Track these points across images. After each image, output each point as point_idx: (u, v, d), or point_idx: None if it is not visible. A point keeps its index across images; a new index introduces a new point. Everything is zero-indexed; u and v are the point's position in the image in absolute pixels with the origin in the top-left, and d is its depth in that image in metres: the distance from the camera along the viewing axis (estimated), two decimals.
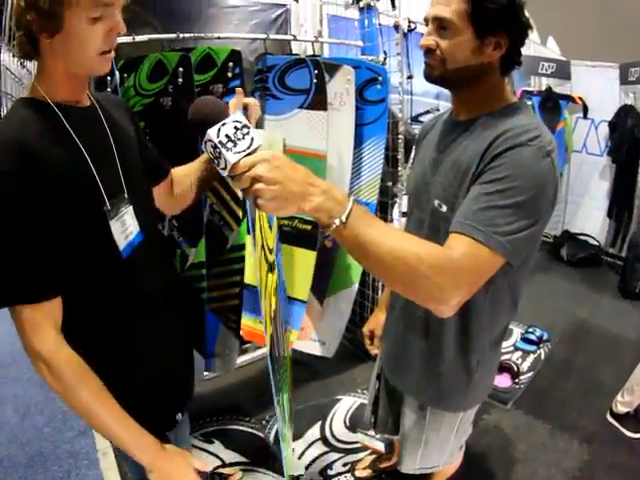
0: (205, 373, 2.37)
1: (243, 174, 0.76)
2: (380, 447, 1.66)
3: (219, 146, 0.77)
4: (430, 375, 1.21)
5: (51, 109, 0.92)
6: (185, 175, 1.30)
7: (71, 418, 2.61)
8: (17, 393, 2.94)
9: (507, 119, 1.00)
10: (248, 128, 0.80)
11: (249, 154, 0.78)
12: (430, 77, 1.09)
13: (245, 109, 0.96)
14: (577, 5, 6.26)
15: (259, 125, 1.03)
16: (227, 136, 0.78)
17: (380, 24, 2.69)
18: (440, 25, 1.02)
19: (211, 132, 0.78)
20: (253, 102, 1.02)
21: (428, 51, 1.05)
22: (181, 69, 1.86)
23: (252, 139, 0.79)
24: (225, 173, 0.79)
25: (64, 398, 0.92)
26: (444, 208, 1.07)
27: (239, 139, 0.78)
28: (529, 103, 4.38)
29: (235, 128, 0.79)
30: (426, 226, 1.14)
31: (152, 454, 0.97)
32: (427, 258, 0.82)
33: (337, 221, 0.78)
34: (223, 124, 0.79)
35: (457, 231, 0.90)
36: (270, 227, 1.26)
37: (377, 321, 1.56)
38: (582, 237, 4.88)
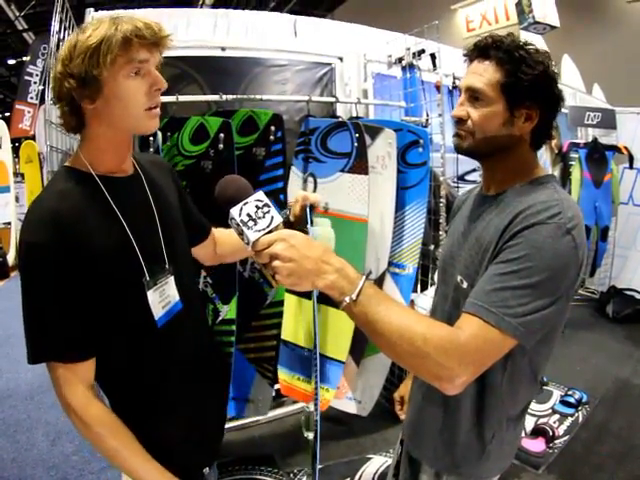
0: (240, 422, 2.40)
1: (262, 251, 0.81)
2: None
3: (240, 224, 0.83)
4: (446, 443, 1.18)
5: (93, 180, 0.95)
6: (231, 239, 1.31)
7: None
8: (50, 419, 3.04)
9: (529, 195, 0.98)
10: (269, 207, 0.85)
11: (270, 231, 0.82)
12: (459, 148, 1.09)
13: (312, 206, 0.99)
14: (621, 52, 6.20)
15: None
16: (248, 215, 0.83)
17: (423, 82, 2.72)
18: (472, 95, 1.03)
19: (233, 211, 0.83)
20: (316, 199, 1.04)
21: (459, 121, 1.06)
22: (222, 135, 1.93)
23: (272, 218, 0.83)
24: (248, 248, 0.84)
25: (93, 445, 0.96)
26: (465, 284, 1.06)
27: (260, 217, 0.83)
28: (576, 156, 4.32)
29: (256, 207, 0.84)
30: (449, 301, 1.14)
31: None
32: (432, 339, 0.83)
33: (347, 299, 0.83)
34: (245, 203, 0.84)
35: (469, 311, 0.90)
36: None
37: (407, 388, 1.55)
38: (629, 292, 4.69)
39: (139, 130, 0.99)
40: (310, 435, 2.00)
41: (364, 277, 0.85)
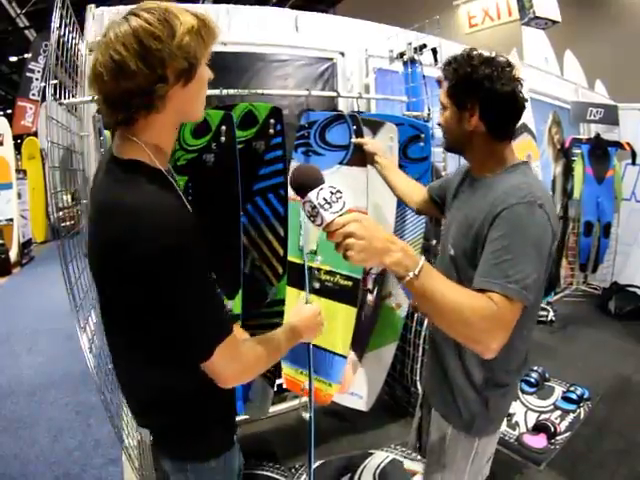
0: (241, 418, 2.42)
1: (336, 231, 0.92)
2: None
3: (317, 207, 0.93)
4: (447, 391, 1.37)
5: (163, 176, 0.96)
6: None
7: (102, 446, 2.68)
8: (52, 415, 3.07)
9: (504, 181, 1.19)
10: (341, 193, 0.95)
11: (341, 215, 0.93)
12: (445, 148, 1.40)
13: None
14: (623, 48, 6.18)
15: None
16: (324, 199, 0.93)
17: (425, 76, 2.71)
18: (441, 107, 1.30)
19: (312, 195, 0.94)
20: None
21: (441, 127, 1.33)
22: (224, 127, 1.91)
23: (344, 203, 0.94)
24: (320, 229, 0.95)
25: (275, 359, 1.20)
26: (452, 252, 1.28)
27: (333, 202, 0.94)
28: (578, 152, 4.32)
29: (331, 192, 0.95)
30: (444, 267, 1.31)
31: (299, 336, 1.30)
32: (478, 310, 0.99)
33: (411, 274, 0.95)
34: (321, 189, 0.95)
35: (481, 288, 1.05)
36: None
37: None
38: (631, 288, 4.69)
39: (196, 117, 1.04)
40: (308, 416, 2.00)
41: (423, 257, 0.98)
